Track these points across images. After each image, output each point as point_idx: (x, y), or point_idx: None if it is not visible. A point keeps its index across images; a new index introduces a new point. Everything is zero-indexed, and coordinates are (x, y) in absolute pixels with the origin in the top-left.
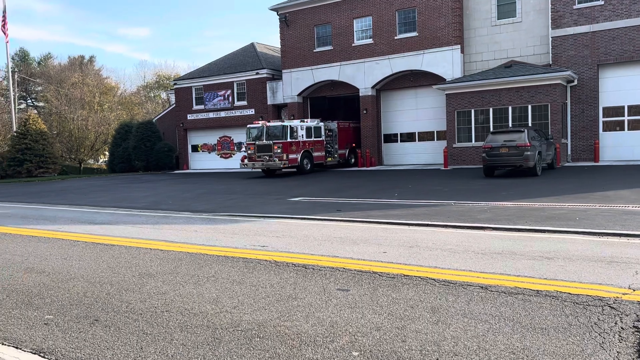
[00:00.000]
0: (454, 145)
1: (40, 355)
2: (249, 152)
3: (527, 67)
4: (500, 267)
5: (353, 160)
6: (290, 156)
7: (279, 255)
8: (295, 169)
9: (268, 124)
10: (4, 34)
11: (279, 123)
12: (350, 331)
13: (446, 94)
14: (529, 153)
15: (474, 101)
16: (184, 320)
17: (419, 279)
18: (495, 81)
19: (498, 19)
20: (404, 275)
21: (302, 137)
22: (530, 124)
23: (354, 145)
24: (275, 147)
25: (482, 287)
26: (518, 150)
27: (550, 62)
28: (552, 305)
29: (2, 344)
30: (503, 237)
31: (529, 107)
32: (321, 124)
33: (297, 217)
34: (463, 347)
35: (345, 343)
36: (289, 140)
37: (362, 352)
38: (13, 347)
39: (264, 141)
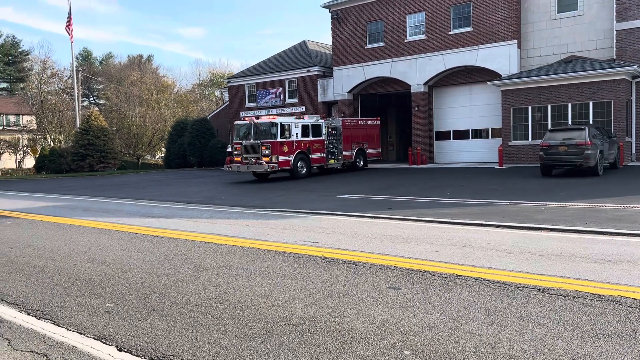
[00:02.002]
0: (510, 143)
1: (102, 342)
2: (235, 152)
3: (589, 62)
4: (558, 270)
5: (362, 163)
6: (281, 158)
7: (329, 252)
8: (288, 173)
9: (256, 120)
10: (69, 34)
11: (268, 120)
12: (401, 330)
13: (502, 91)
14: (589, 152)
15: (531, 98)
16: (237, 312)
17: (473, 280)
18: (554, 77)
19: (558, 13)
20: (457, 275)
21: (297, 136)
22: (591, 122)
23: (362, 145)
24: (264, 148)
25: (539, 290)
26: (578, 149)
27: (614, 57)
28: (615, 311)
29: (67, 329)
30: (561, 239)
31: (590, 103)
32: (321, 121)
33: (347, 214)
34: (519, 350)
35: (396, 341)
36: (279, 139)
37: (414, 352)
38: (77, 332)
39: (252, 141)
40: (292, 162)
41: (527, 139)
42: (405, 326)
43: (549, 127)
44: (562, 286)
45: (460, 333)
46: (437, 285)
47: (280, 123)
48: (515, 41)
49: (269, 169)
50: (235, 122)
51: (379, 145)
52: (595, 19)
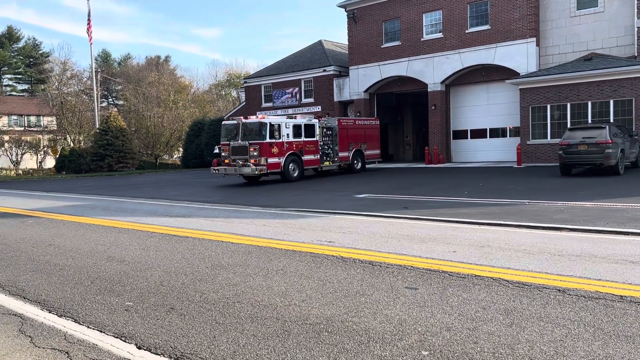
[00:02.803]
0: (528, 142)
1: (121, 340)
2: (223, 154)
3: (609, 60)
4: (579, 270)
5: (359, 165)
6: (270, 160)
7: (345, 251)
8: (279, 176)
9: (244, 120)
10: (89, 36)
11: (256, 120)
12: (419, 330)
13: (520, 89)
14: (610, 150)
15: (550, 96)
16: (254, 311)
17: (491, 280)
18: (574, 75)
19: (577, 10)
20: (475, 275)
21: (288, 136)
22: (612, 120)
23: (360, 146)
24: (252, 149)
25: (559, 290)
26: (598, 148)
27: (636, 54)
28: (637, 312)
29: (88, 327)
30: (581, 239)
31: (611, 102)
32: (315, 120)
33: (363, 214)
34: (539, 351)
35: (414, 342)
36: (268, 140)
37: (432, 352)
38: (97, 330)
39: (240, 141)
40: (282, 164)
41: (546, 138)
42: (423, 326)
43: (569, 125)
44: (583, 287)
45: (478, 334)
46: (455, 286)
47: (270, 123)
48: (534, 39)
49: (256, 172)
50: (223, 122)
51: (379, 146)
52: (616, 16)
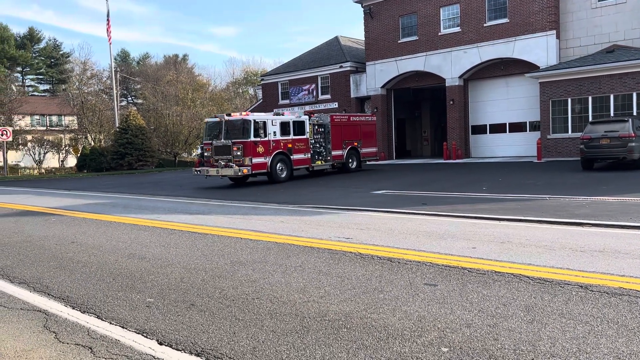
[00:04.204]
0: (549, 137)
1: (143, 335)
2: (205, 154)
3: (632, 51)
4: (601, 266)
5: (355, 164)
6: (255, 160)
7: (363, 248)
8: (266, 177)
9: (227, 117)
10: (108, 36)
11: (240, 117)
12: (438, 326)
13: (540, 83)
14: (633, 144)
15: (570, 90)
16: (273, 307)
17: (512, 276)
18: (595, 67)
19: (599, 1)
20: (495, 271)
21: (275, 134)
22: (635, 113)
23: (355, 144)
24: (235, 149)
25: (581, 287)
26: (621, 142)
27: None
28: None
29: (110, 323)
30: (604, 234)
31: (634, 94)
32: (305, 117)
33: (381, 210)
34: (561, 348)
35: (433, 338)
36: (252, 139)
37: (452, 349)
38: (119, 326)
39: (223, 140)
40: (269, 164)
41: (567, 132)
42: (442, 323)
43: (590, 119)
44: (606, 283)
45: (499, 330)
46: (475, 282)
47: (254, 120)
48: (554, 31)
49: (240, 173)
50: (206, 120)
51: (376, 143)
52: (639, 7)
